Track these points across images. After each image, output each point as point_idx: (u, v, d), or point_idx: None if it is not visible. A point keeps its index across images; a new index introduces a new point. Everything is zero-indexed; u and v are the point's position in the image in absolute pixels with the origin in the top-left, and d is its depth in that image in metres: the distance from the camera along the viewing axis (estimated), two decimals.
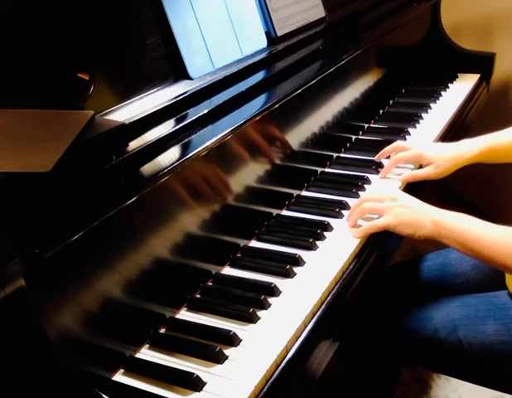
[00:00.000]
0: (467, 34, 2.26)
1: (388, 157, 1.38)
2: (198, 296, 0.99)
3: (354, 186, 1.28)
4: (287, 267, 1.02)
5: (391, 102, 1.78)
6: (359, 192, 1.26)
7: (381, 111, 1.71)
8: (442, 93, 1.82)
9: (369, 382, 1.30)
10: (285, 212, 1.22)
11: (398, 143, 1.38)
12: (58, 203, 0.78)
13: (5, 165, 0.78)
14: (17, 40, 0.93)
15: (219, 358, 0.84)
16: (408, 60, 1.95)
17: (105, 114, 0.96)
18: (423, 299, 1.18)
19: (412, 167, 1.35)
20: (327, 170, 1.39)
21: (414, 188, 1.32)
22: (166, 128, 0.99)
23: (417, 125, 1.61)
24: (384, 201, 1.10)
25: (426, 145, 1.36)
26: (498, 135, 1.30)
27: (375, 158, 1.39)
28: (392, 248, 1.25)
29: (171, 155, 0.95)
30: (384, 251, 1.15)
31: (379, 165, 1.38)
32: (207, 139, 1.00)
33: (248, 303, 0.94)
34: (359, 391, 1.31)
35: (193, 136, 1.01)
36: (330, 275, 1.00)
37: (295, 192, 1.28)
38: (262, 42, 1.32)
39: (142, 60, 1.06)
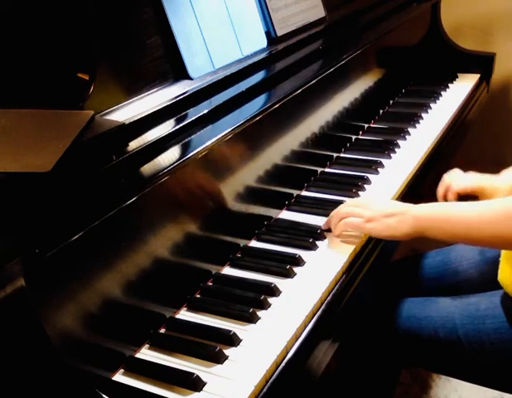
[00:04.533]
0: (467, 34, 2.26)
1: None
2: (198, 296, 0.99)
3: (354, 186, 1.28)
4: (287, 267, 1.02)
5: (391, 102, 1.78)
6: (359, 192, 1.26)
7: (381, 111, 1.71)
8: (442, 93, 1.82)
9: (369, 382, 1.30)
10: (285, 212, 1.22)
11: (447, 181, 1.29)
12: (58, 203, 0.78)
13: (5, 165, 0.78)
14: (17, 40, 0.93)
15: (219, 358, 0.84)
16: (408, 60, 1.95)
17: (105, 114, 0.96)
18: (423, 298, 1.18)
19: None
20: (327, 170, 1.39)
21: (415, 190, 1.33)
22: (166, 128, 0.99)
23: (417, 125, 1.61)
24: (361, 208, 1.08)
25: (484, 177, 1.27)
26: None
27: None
28: (392, 247, 1.25)
29: (171, 155, 0.95)
30: (384, 251, 1.15)
31: (380, 165, 1.38)
32: (207, 139, 1.00)
33: (248, 303, 0.94)
34: (359, 391, 1.31)
35: (193, 136, 1.01)
36: (330, 275, 1.00)
37: (295, 192, 1.28)
38: (262, 42, 1.32)
39: (142, 60, 1.06)
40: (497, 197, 1.21)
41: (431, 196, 1.30)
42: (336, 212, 1.11)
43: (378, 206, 1.08)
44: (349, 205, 1.12)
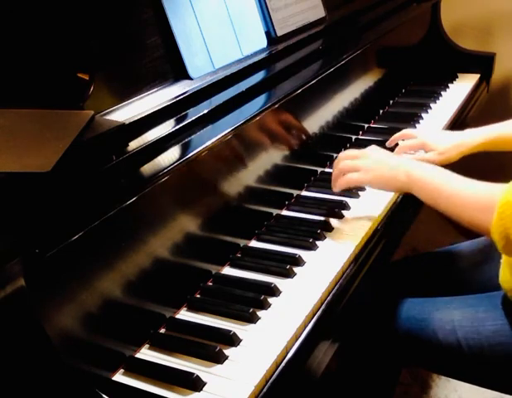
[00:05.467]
0: (467, 34, 2.26)
1: (397, 144, 1.43)
2: (198, 296, 0.99)
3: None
4: (287, 267, 1.02)
5: (391, 102, 1.78)
6: (359, 192, 1.26)
7: (381, 111, 1.71)
8: (442, 93, 1.82)
9: (369, 382, 1.30)
10: (285, 212, 1.22)
11: (406, 131, 1.44)
12: (58, 203, 0.78)
13: (5, 165, 0.78)
14: (17, 40, 0.93)
15: (219, 358, 0.84)
16: (408, 60, 1.95)
17: (105, 114, 0.96)
18: (422, 299, 1.18)
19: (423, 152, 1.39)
20: (327, 170, 1.39)
21: None
22: (166, 128, 0.99)
23: (417, 125, 1.61)
24: (359, 158, 1.14)
25: (431, 133, 1.40)
26: (503, 125, 1.31)
27: (386, 144, 1.43)
28: (392, 248, 1.25)
29: (171, 155, 0.95)
30: (384, 251, 1.15)
31: None
32: (207, 139, 1.00)
33: (248, 303, 0.94)
34: (359, 391, 1.31)
35: (193, 136, 1.01)
36: (330, 275, 1.00)
37: (295, 192, 1.28)
38: (262, 42, 1.32)
39: (142, 60, 1.06)
40: (437, 152, 1.31)
41: None
42: (336, 166, 1.17)
43: (376, 156, 1.13)
44: (347, 156, 1.17)
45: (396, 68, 1.83)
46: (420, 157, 1.36)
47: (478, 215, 0.96)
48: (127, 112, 0.98)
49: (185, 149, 0.98)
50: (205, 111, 1.05)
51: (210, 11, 1.20)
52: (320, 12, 1.53)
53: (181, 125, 1.00)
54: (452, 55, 2.03)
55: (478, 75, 1.94)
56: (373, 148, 1.18)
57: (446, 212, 1.03)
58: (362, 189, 1.28)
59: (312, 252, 1.08)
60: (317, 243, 1.09)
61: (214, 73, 1.17)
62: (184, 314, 0.95)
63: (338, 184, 1.16)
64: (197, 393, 0.80)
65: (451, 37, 2.05)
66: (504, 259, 1.10)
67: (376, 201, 1.21)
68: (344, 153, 1.19)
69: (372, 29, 1.66)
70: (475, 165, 1.39)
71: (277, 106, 1.18)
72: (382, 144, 1.45)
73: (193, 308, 0.96)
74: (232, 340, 0.87)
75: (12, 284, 0.70)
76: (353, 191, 1.25)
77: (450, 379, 1.75)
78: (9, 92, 0.92)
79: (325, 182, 1.32)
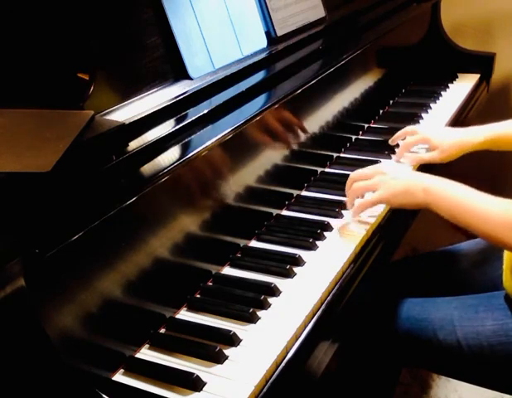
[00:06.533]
0: (467, 34, 2.26)
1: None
2: (198, 296, 0.99)
3: None
4: (287, 267, 1.02)
5: (391, 102, 1.78)
6: None
7: (381, 111, 1.71)
8: (442, 93, 1.82)
9: (369, 382, 1.30)
10: (285, 212, 1.22)
11: (408, 128, 1.43)
12: (58, 203, 0.78)
13: (5, 165, 0.78)
14: (17, 40, 0.93)
15: (219, 358, 0.84)
16: (408, 60, 1.95)
17: (105, 114, 0.96)
18: (422, 299, 1.18)
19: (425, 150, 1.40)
20: (327, 170, 1.39)
21: None
22: (166, 128, 0.99)
23: (417, 125, 1.61)
24: (374, 177, 1.11)
25: (433, 130, 1.40)
26: (505, 124, 1.31)
27: (389, 142, 1.43)
28: (392, 248, 1.25)
29: (171, 155, 0.95)
30: (384, 251, 1.15)
31: None
32: (207, 139, 1.00)
33: (248, 303, 0.94)
34: (359, 391, 1.31)
35: (193, 136, 1.01)
36: (330, 275, 1.00)
37: (295, 192, 1.28)
38: (262, 42, 1.32)
39: (142, 60, 1.06)
40: (439, 150, 1.33)
41: None
42: (350, 188, 1.14)
43: (391, 171, 1.10)
44: (360, 175, 1.14)
45: (396, 68, 1.83)
46: (422, 156, 1.36)
47: (504, 232, 0.96)
48: (127, 112, 0.98)
49: (185, 149, 0.98)
50: (205, 111, 1.05)
51: (210, 11, 1.20)
52: (320, 12, 1.53)
53: (181, 125, 1.00)
54: (452, 55, 2.03)
55: (478, 75, 1.94)
56: (385, 165, 1.16)
57: (468, 227, 1.02)
58: None
59: (312, 252, 1.08)
60: (317, 243, 1.09)
61: (214, 73, 1.17)
62: (184, 314, 0.95)
63: (355, 211, 1.13)
64: (197, 393, 0.80)
65: (451, 37, 2.05)
66: (506, 264, 1.10)
67: None
68: (355, 173, 1.15)
69: (372, 29, 1.66)
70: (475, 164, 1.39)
71: (277, 106, 1.18)
72: (382, 144, 1.45)
73: (193, 308, 0.96)
74: (232, 340, 0.87)
75: (12, 284, 0.70)
76: None
77: (450, 379, 1.75)
78: (9, 92, 0.92)
79: (325, 182, 1.32)
